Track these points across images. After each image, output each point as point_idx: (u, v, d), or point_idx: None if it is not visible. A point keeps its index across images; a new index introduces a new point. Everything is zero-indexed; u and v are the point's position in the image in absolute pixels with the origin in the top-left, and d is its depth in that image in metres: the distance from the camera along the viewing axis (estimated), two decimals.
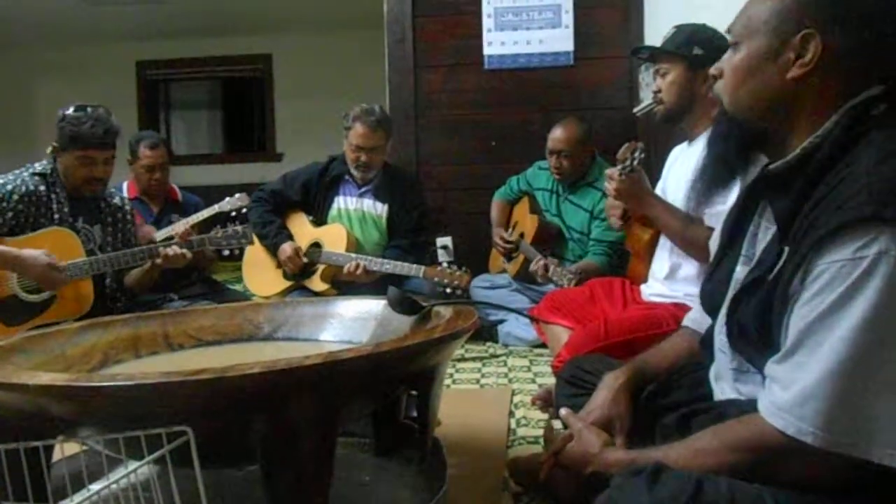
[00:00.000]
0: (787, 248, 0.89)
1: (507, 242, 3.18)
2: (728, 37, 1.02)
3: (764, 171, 1.00)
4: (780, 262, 0.89)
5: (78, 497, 0.95)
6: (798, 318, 0.84)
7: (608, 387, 1.22)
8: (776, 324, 0.89)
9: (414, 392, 1.36)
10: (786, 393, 0.84)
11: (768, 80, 0.94)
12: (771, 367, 0.88)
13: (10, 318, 2.37)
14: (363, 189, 3.13)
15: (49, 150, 2.50)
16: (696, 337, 1.23)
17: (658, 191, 2.14)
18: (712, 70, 1.04)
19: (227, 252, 2.79)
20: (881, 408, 0.78)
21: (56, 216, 2.44)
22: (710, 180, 1.08)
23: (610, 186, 2.03)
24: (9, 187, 2.37)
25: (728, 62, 1.00)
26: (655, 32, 3.07)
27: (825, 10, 0.90)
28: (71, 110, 2.45)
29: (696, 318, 1.28)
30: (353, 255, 2.94)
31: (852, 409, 0.79)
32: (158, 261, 2.52)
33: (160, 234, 2.97)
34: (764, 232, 1.01)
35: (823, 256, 0.82)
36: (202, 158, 7.21)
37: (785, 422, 0.83)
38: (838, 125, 0.89)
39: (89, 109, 2.45)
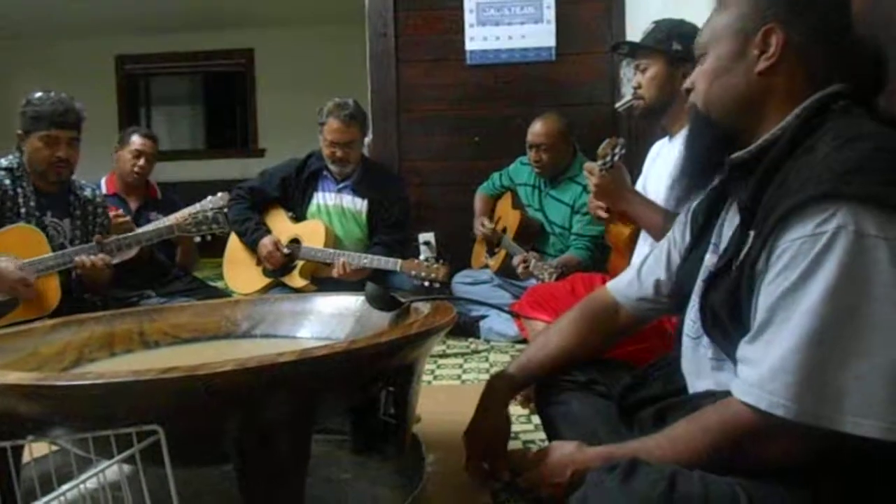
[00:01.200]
0: (751, 233, 0.91)
1: (488, 233, 3.17)
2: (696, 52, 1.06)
3: (727, 161, 1.02)
4: (746, 247, 0.91)
5: (47, 498, 0.93)
6: (764, 296, 0.86)
7: (487, 400, 1.31)
8: (745, 307, 0.90)
9: (391, 389, 1.35)
10: (755, 370, 0.85)
11: (737, 78, 0.99)
12: (742, 347, 0.89)
13: None
14: (342, 184, 3.11)
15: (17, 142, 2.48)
16: (614, 307, 1.29)
17: (638, 186, 2.14)
18: (685, 85, 1.08)
19: (198, 238, 2.78)
20: (846, 377, 0.79)
21: (23, 210, 2.41)
22: (688, 181, 1.10)
23: (590, 182, 2.03)
24: None
25: (697, 72, 1.05)
26: (637, 28, 3.08)
27: (783, 6, 0.95)
28: (35, 95, 2.46)
29: (621, 288, 1.30)
30: (332, 250, 2.92)
31: (820, 380, 0.80)
32: (79, 270, 2.45)
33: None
34: (730, 222, 1.03)
35: (785, 234, 0.84)
36: (183, 154, 7.14)
37: (757, 397, 0.84)
38: (798, 118, 0.93)
39: (52, 93, 2.45)
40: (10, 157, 2.47)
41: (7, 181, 2.40)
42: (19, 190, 2.42)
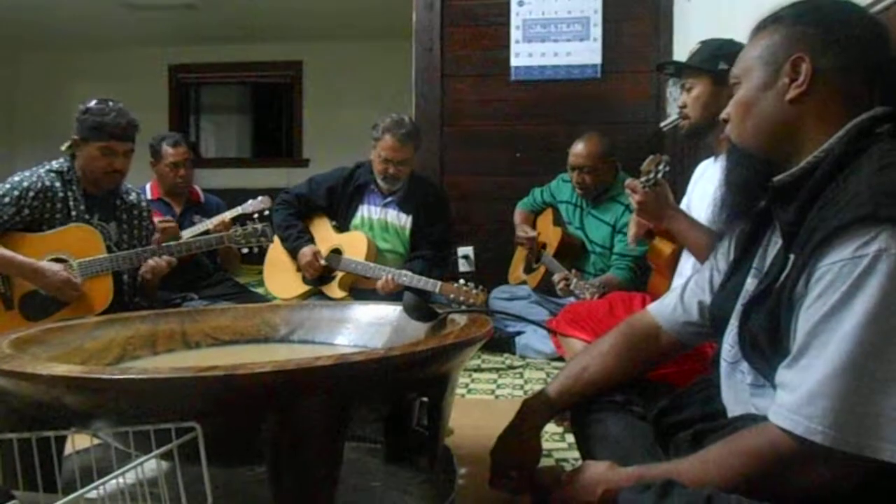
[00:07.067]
0: (792, 256, 0.91)
1: (529, 238, 3.16)
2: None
3: (770, 184, 1.02)
4: (787, 270, 0.90)
5: (86, 489, 0.95)
6: (803, 320, 0.85)
7: (522, 421, 1.28)
8: (785, 331, 0.89)
9: (425, 399, 1.35)
10: (793, 395, 0.84)
11: (768, 107, 0.99)
12: (780, 372, 0.88)
13: (32, 313, 2.41)
14: (388, 199, 3.12)
15: (66, 145, 2.52)
16: (655, 331, 1.25)
17: (682, 205, 2.11)
18: (722, 116, 1.09)
19: (245, 250, 2.82)
20: (887, 404, 0.78)
21: (72, 213, 2.47)
22: (729, 211, 1.09)
23: (633, 199, 2.01)
24: (25, 184, 2.40)
25: (732, 102, 1.05)
26: (684, 47, 3.05)
27: (812, 36, 0.96)
28: (93, 103, 2.50)
29: (664, 312, 1.26)
30: (372, 264, 2.94)
31: (860, 407, 0.79)
32: (148, 276, 2.50)
33: (186, 234, 3.00)
34: (773, 246, 1.03)
35: (825, 258, 0.83)
36: (230, 162, 7.31)
37: (793, 422, 0.82)
38: (841, 141, 0.93)
39: (111, 103, 2.50)
40: (61, 160, 2.54)
41: (57, 184, 2.46)
42: (69, 193, 2.48)
